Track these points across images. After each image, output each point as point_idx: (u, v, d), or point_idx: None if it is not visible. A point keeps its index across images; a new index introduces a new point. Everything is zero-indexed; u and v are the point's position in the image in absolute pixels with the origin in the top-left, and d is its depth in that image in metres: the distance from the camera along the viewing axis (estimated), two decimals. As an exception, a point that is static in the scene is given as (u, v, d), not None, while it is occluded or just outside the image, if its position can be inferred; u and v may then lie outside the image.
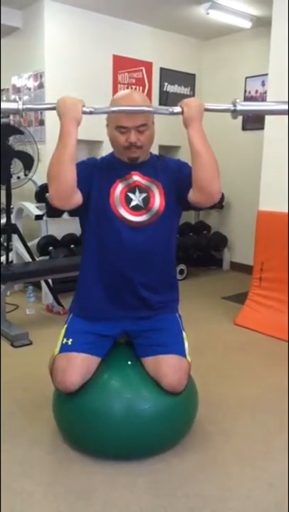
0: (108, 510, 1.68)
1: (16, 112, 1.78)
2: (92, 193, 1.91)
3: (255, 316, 3.60)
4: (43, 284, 3.97)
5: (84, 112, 1.74)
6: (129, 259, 1.92)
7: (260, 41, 4.76)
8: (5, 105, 1.78)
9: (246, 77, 5.15)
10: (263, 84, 4.88)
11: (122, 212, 1.90)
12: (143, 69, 5.08)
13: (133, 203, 1.91)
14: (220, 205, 5.43)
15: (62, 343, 1.97)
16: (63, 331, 2.03)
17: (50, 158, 1.77)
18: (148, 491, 1.77)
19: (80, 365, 1.89)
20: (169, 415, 1.92)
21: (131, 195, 1.91)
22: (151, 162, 1.99)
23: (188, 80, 5.50)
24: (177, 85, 5.40)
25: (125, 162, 1.93)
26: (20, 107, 1.76)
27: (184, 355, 1.97)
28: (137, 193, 1.92)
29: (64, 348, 1.95)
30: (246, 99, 5.15)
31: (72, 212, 4.38)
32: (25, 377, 2.70)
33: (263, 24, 4.53)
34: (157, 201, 1.92)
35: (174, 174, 1.96)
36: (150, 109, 1.87)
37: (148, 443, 1.93)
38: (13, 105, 1.77)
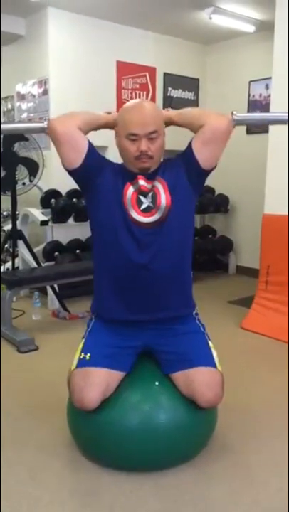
0: (115, 514, 1.68)
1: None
2: (100, 189, 1.89)
3: (262, 319, 3.59)
4: (49, 290, 3.98)
5: None
6: (143, 260, 1.85)
7: (264, 45, 4.76)
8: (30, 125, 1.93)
9: (250, 81, 5.16)
10: (267, 87, 4.89)
11: (134, 215, 1.85)
12: (147, 74, 5.11)
13: (144, 206, 1.86)
14: (225, 209, 5.43)
15: (79, 358, 1.89)
16: (80, 345, 1.96)
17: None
18: (155, 496, 1.76)
19: (98, 383, 1.79)
20: (189, 432, 1.88)
21: (142, 198, 1.87)
22: (158, 168, 1.94)
23: (192, 84, 5.51)
24: (181, 90, 5.42)
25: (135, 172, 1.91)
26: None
27: (214, 366, 1.90)
28: (147, 195, 1.88)
29: (81, 363, 1.86)
30: (250, 102, 5.16)
31: (78, 218, 4.39)
32: (31, 382, 2.70)
33: (266, 28, 4.54)
34: (163, 196, 1.86)
35: (179, 166, 1.92)
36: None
37: (167, 459, 1.89)
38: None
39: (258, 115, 2.17)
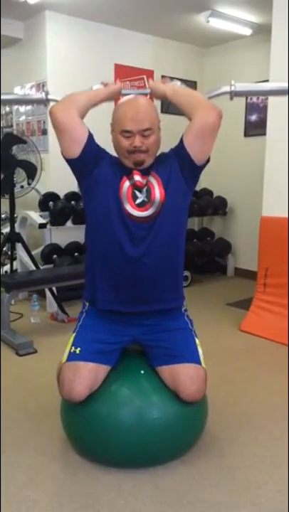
0: (114, 517, 1.68)
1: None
2: (97, 180, 1.90)
3: (260, 321, 3.59)
4: (48, 293, 3.98)
5: None
6: (136, 253, 1.87)
7: (261, 48, 4.78)
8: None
9: (247, 84, 5.16)
10: (265, 90, 4.90)
11: (129, 208, 1.87)
12: (144, 77, 5.11)
13: (139, 200, 1.88)
14: (223, 211, 5.44)
15: (70, 352, 1.94)
16: (71, 339, 2.00)
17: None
18: (154, 498, 1.76)
19: (87, 376, 1.86)
20: (179, 426, 1.91)
21: (137, 192, 1.88)
22: (152, 163, 1.95)
23: (189, 87, 5.48)
24: (179, 93, 5.42)
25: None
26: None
27: (199, 362, 1.95)
28: (142, 190, 1.90)
29: (71, 357, 1.92)
30: (248, 105, 5.17)
31: (77, 220, 4.38)
32: (30, 385, 2.70)
33: (263, 31, 4.56)
34: (157, 191, 1.88)
35: (172, 161, 1.93)
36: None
37: (158, 453, 1.92)
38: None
39: (257, 85, 2.23)
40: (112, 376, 1.94)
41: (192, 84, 5.52)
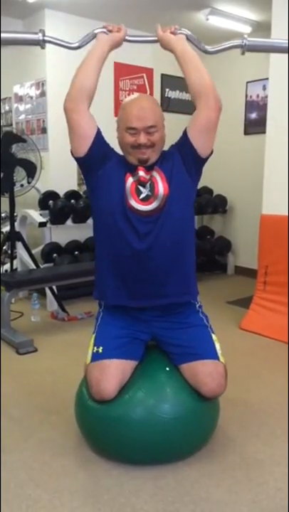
0: (114, 516, 1.68)
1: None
2: (103, 178, 1.91)
3: (261, 320, 3.59)
4: (48, 291, 3.98)
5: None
6: (142, 247, 1.89)
7: (261, 46, 4.77)
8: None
9: (247, 82, 5.16)
10: (264, 88, 4.90)
11: (133, 203, 1.89)
12: (144, 75, 5.11)
13: (143, 195, 1.89)
14: (223, 209, 5.44)
15: (93, 352, 1.96)
16: (92, 339, 2.01)
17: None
18: (155, 497, 1.76)
19: (114, 374, 1.87)
20: (196, 423, 1.95)
21: (141, 188, 1.90)
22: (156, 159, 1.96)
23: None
24: (178, 91, 5.42)
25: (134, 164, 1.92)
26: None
27: (217, 358, 1.98)
28: (146, 185, 1.91)
29: (95, 357, 1.93)
30: (247, 103, 5.16)
31: (77, 219, 4.38)
32: (30, 384, 2.70)
33: (262, 29, 4.55)
34: (160, 185, 1.90)
35: (175, 156, 1.94)
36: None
37: (172, 450, 1.94)
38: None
39: (270, 41, 2.40)
40: (134, 375, 1.94)
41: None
